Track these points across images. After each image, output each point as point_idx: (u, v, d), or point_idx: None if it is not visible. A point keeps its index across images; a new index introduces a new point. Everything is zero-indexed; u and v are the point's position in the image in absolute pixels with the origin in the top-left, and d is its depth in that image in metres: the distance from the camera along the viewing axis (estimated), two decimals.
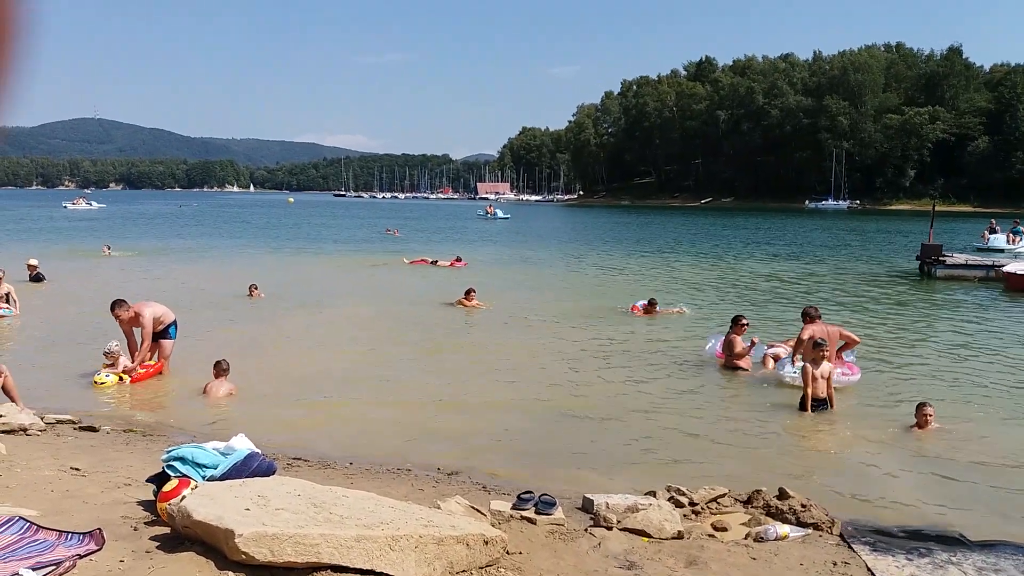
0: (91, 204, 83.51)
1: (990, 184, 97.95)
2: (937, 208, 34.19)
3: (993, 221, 35.02)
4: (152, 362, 9.93)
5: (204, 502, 4.02)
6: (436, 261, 25.88)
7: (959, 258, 25.75)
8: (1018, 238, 32.05)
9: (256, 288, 17.47)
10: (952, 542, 5.09)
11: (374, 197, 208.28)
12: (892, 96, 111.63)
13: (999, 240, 31.61)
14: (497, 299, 17.20)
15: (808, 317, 10.11)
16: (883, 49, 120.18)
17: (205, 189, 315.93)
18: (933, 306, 18.93)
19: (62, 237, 37.35)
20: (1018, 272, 21.06)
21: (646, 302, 15.79)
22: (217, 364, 9.18)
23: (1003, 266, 22.51)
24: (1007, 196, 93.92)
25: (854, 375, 9.88)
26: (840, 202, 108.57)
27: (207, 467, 4.71)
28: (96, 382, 9.41)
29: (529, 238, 44.80)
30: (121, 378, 9.52)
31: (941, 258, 24.81)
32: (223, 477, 4.64)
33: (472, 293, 16.51)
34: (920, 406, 7.97)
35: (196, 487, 4.42)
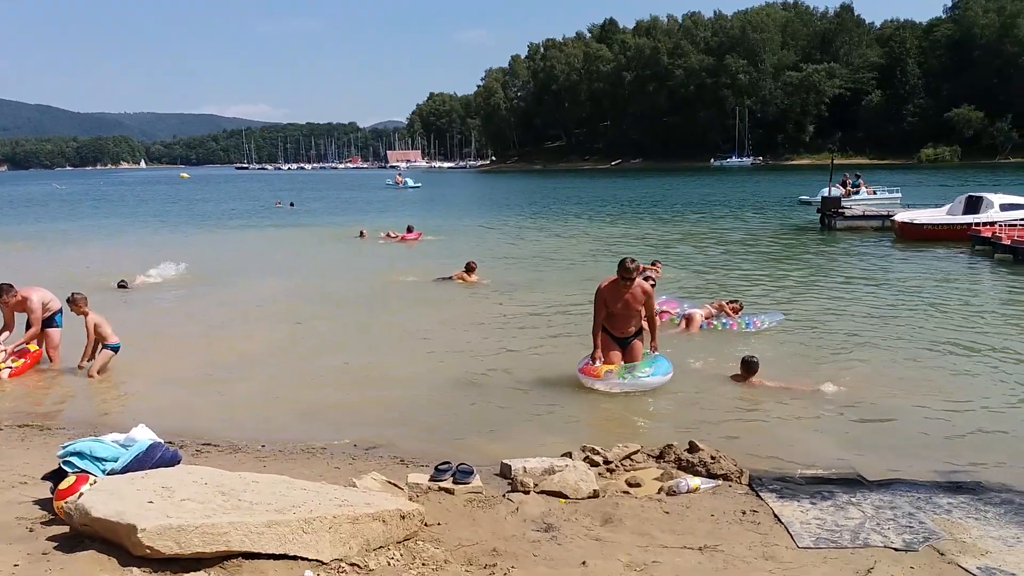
0: None
1: (884, 136, 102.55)
2: (835, 161, 35.45)
3: (846, 175, 36.35)
4: (32, 349, 9.44)
5: (104, 498, 3.86)
6: (389, 233, 24.89)
7: (856, 209, 26.91)
8: (856, 191, 33.58)
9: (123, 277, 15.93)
10: (852, 483, 5.34)
11: (279, 169, 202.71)
12: (789, 54, 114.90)
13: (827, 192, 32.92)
14: (418, 272, 16.90)
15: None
16: (781, 7, 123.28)
17: (99, 167, 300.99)
18: (833, 256, 19.71)
19: None
20: (908, 221, 22.18)
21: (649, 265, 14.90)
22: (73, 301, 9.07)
23: (894, 215, 23.64)
24: (900, 147, 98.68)
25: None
26: (744, 159, 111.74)
27: (107, 460, 4.52)
28: None
29: (441, 208, 44.48)
30: None
31: (840, 210, 25.89)
32: (124, 470, 4.46)
33: (474, 268, 15.48)
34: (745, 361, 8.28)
35: (95, 482, 4.23)
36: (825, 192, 30.58)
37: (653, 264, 15.53)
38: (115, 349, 9.24)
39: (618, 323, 8.24)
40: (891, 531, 4.49)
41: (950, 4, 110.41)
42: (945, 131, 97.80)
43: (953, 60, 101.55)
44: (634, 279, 8.04)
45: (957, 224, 21.16)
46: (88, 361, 9.11)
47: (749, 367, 8.19)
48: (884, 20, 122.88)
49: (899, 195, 34.14)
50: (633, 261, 8.03)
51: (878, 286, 14.65)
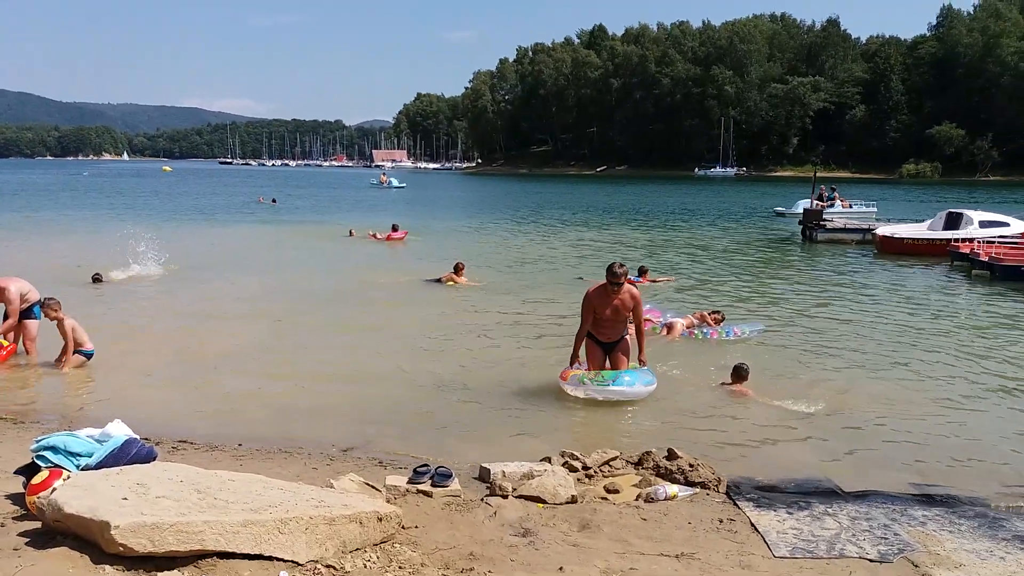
0: None
1: (867, 151, 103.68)
2: (818, 174, 35.63)
3: (823, 188, 36.72)
4: (5, 343, 9.30)
5: (77, 493, 3.81)
6: (375, 234, 24.73)
7: (838, 222, 27.15)
8: (830, 203, 33.98)
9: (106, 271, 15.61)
10: (828, 494, 5.37)
11: (263, 165, 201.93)
12: (776, 66, 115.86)
13: (802, 205, 33.23)
14: (404, 273, 16.80)
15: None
16: (768, 19, 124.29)
17: (80, 157, 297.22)
18: (814, 268, 19.85)
19: None
20: (889, 235, 22.39)
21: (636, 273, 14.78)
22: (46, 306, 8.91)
23: (876, 229, 23.87)
24: (882, 162, 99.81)
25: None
26: (728, 169, 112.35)
27: (81, 456, 4.46)
28: None
29: (426, 208, 44.37)
30: None
31: (821, 223, 26.11)
32: (99, 466, 4.41)
33: (462, 269, 15.34)
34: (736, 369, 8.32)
35: (69, 477, 4.17)
36: (803, 204, 30.80)
37: (641, 271, 15.42)
38: (88, 356, 9.06)
39: (606, 329, 8.05)
40: (866, 542, 4.52)
41: (934, 22, 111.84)
42: (927, 147, 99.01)
43: (936, 78, 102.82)
44: (623, 284, 7.82)
45: (937, 239, 21.40)
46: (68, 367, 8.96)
47: (739, 374, 8.23)
48: (870, 35, 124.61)
49: (875, 209, 34.49)
50: (621, 266, 7.83)
51: (858, 299, 14.75)
